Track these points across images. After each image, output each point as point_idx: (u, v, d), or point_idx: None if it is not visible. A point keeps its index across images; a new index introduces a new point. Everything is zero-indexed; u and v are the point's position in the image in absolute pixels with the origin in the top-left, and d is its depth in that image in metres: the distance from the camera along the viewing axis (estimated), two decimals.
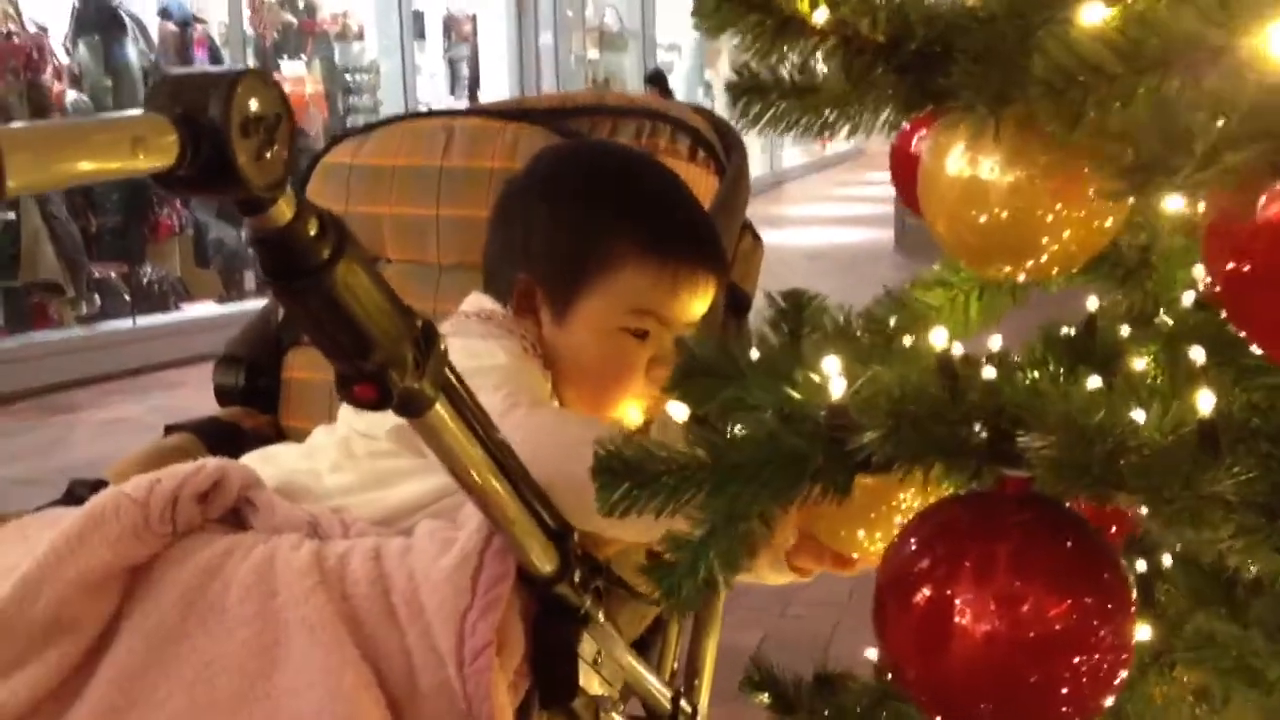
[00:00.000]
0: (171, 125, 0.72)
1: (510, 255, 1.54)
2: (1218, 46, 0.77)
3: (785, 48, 0.98)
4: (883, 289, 1.19)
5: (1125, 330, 1.18)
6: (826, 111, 1.01)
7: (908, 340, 1.10)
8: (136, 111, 0.73)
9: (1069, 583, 0.91)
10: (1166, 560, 1.17)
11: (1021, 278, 1.05)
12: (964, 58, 0.90)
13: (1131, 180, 0.74)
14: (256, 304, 7.42)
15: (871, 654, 1.42)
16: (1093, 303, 1.23)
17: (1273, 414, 0.90)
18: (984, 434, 0.89)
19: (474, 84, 12.16)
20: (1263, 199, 0.74)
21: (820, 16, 0.97)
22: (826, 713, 1.40)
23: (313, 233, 0.86)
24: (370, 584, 1.18)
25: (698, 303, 1.52)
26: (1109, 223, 0.98)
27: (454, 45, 12.25)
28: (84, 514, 1.20)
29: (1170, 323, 1.14)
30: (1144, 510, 0.94)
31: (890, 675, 1.00)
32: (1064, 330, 1.21)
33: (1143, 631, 1.06)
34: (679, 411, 1.03)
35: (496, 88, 11.98)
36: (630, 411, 1.51)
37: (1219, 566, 1.13)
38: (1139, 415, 0.89)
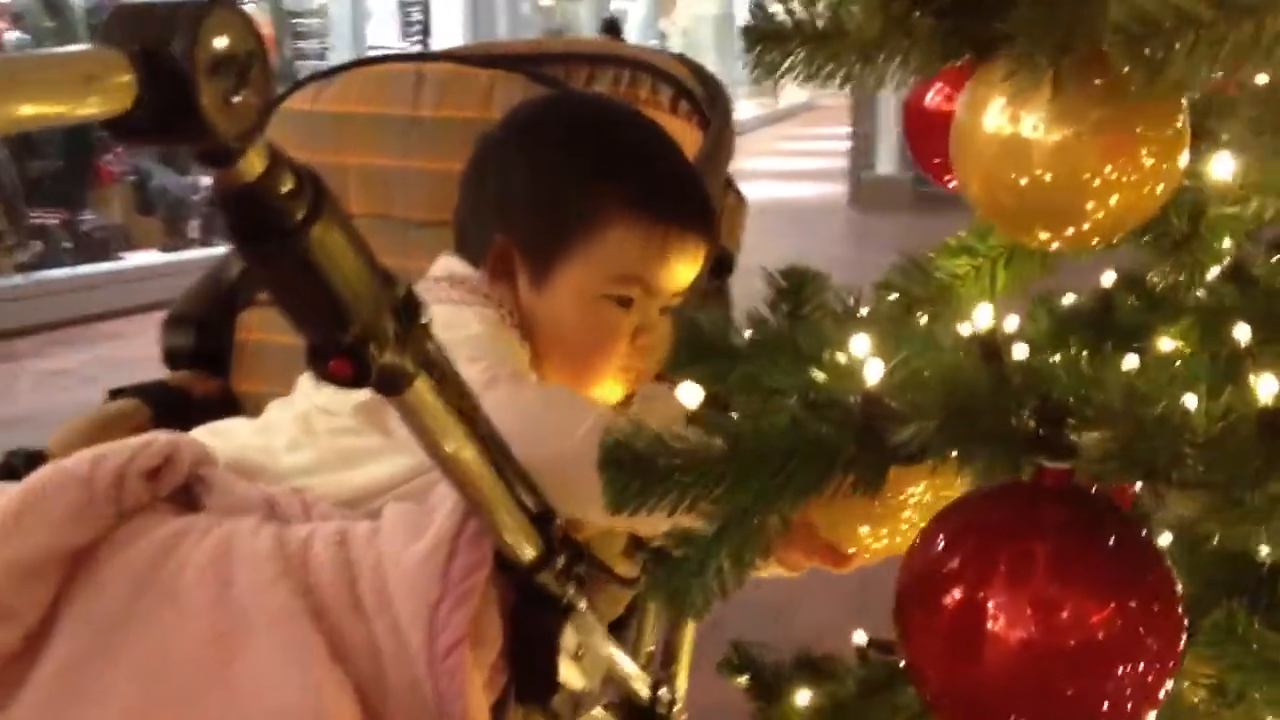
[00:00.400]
0: (128, 62, 0.62)
1: (485, 213, 1.44)
2: None
3: None
4: (897, 254, 1.10)
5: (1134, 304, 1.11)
6: (851, 60, 0.92)
7: (927, 315, 1.03)
8: (87, 46, 0.63)
9: (1113, 586, 0.85)
10: (1164, 538, 1.11)
11: (1055, 246, 0.97)
12: (1024, 2, 0.81)
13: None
14: (201, 254, 7.23)
15: (859, 637, 1.36)
16: (1108, 277, 1.15)
17: None
18: (1031, 423, 0.81)
19: (425, 29, 11.98)
20: None
21: None
22: (818, 701, 1.34)
23: (286, 189, 0.77)
24: (334, 571, 1.11)
25: (687, 269, 1.43)
26: (1160, 188, 0.91)
27: None
28: (20, 492, 1.11)
29: (1204, 297, 1.07)
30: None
31: (913, 681, 0.93)
32: (1062, 301, 1.14)
33: None
34: (691, 395, 0.94)
35: (449, 33, 11.79)
36: (612, 385, 1.42)
37: (1227, 551, 1.07)
38: (1188, 401, 0.82)
